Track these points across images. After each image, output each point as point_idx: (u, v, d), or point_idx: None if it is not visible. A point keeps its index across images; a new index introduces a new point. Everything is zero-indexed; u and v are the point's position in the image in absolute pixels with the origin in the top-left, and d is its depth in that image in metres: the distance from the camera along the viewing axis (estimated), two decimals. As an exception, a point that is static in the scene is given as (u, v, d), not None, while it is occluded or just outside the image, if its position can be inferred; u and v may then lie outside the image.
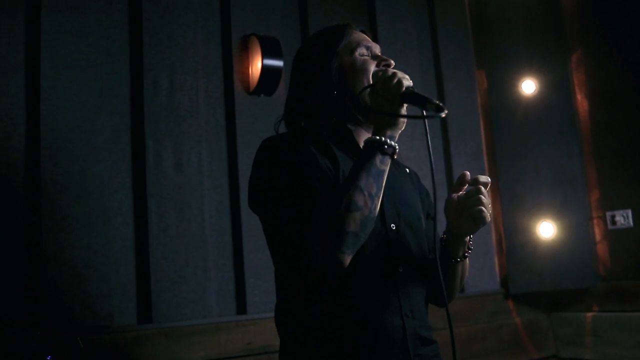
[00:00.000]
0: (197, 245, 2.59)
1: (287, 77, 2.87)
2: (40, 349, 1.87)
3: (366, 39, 1.68)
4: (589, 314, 3.38)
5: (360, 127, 1.65)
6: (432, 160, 1.45)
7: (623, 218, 3.27)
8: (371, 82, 1.55)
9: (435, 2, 3.69)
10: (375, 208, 1.39)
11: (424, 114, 1.37)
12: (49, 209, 2.31)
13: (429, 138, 1.45)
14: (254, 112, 2.85)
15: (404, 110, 1.45)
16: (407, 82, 1.44)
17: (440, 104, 1.36)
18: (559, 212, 3.39)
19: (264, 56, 2.80)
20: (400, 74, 1.45)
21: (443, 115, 1.35)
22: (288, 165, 1.48)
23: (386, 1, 3.43)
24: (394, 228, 1.55)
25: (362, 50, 1.64)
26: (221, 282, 2.65)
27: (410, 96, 1.41)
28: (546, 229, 3.41)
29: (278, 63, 2.83)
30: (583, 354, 3.38)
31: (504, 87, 3.62)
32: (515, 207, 3.53)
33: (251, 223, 2.71)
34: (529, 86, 3.53)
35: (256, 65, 2.82)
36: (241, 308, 2.67)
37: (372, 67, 1.60)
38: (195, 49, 2.73)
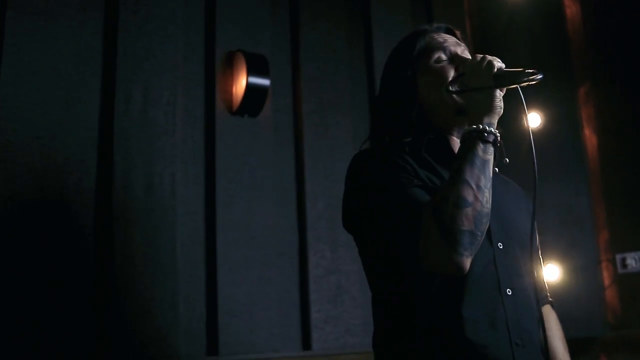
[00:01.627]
0: (166, 276, 2.40)
1: (274, 97, 2.84)
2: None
3: (445, 41, 1.58)
4: (597, 366, 3.26)
5: (452, 136, 1.57)
6: (534, 146, 1.43)
7: (634, 261, 3.20)
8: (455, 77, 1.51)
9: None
10: (487, 202, 1.31)
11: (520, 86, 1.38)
12: (1, 229, 2.12)
13: (527, 111, 1.44)
14: (236, 133, 2.71)
15: (499, 94, 1.41)
16: (498, 63, 1.40)
17: (534, 70, 1.36)
18: (565, 254, 3.30)
19: (249, 74, 2.67)
20: (489, 57, 1.41)
21: (539, 78, 1.36)
22: (388, 176, 1.42)
23: (383, 26, 3.35)
24: (501, 247, 1.45)
25: (438, 56, 1.56)
26: (191, 319, 2.49)
27: (504, 76, 1.38)
28: (551, 272, 3.29)
29: (264, 82, 2.71)
30: (591, 409, 3.24)
31: (508, 120, 3.48)
32: None
33: (228, 254, 2.56)
34: (534, 119, 3.46)
35: (240, 83, 2.70)
36: (212, 348, 2.50)
37: (451, 73, 1.53)
38: (175, 63, 2.60)
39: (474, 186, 1.29)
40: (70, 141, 2.32)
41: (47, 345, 2.12)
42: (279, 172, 2.82)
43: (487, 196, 1.32)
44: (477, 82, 1.39)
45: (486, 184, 1.32)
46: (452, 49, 1.56)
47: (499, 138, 1.38)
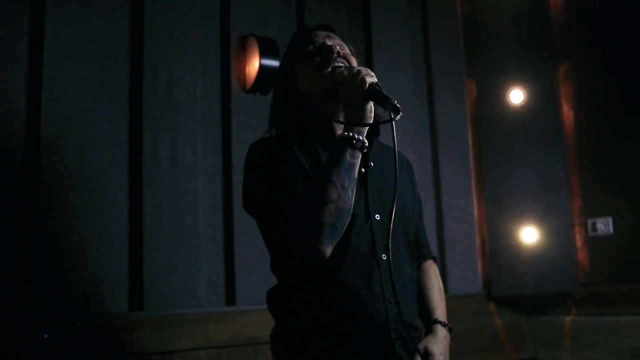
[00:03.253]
0: (190, 237, 2.63)
1: None
2: (38, 328, 1.92)
3: (316, 35, 1.72)
4: (568, 318, 3.46)
5: (336, 121, 1.70)
6: (397, 163, 1.52)
7: (604, 225, 3.35)
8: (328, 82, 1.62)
9: (429, 11, 3.78)
10: (349, 199, 1.47)
11: (391, 116, 1.44)
12: (47, 196, 2.35)
13: (395, 140, 1.50)
14: (249, 110, 2.90)
15: (369, 106, 1.50)
16: (371, 79, 1.49)
17: (397, 106, 1.43)
18: (542, 218, 3.48)
19: (261, 56, 2.85)
20: (364, 71, 1.51)
21: (397, 118, 1.43)
22: (272, 167, 1.57)
23: (381, 7, 3.50)
24: (378, 218, 1.62)
25: (308, 48, 1.69)
26: (212, 273, 2.70)
27: (372, 94, 1.47)
28: (529, 234, 3.50)
29: (275, 63, 2.87)
30: (561, 356, 3.45)
31: (492, 96, 3.70)
32: (500, 212, 3.62)
33: (243, 217, 2.73)
34: (517, 96, 3.61)
35: (253, 65, 2.88)
36: (230, 299, 2.72)
37: (316, 60, 1.66)
38: (195, 46, 2.78)
39: (338, 186, 1.44)
40: (104, 118, 2.53)
41: (87, 295, 2.38)
42: (287, 144, 3.02)
43: (349, 194, 1.47)
44: (350, 93, 1.49)
45: (350, 184, 1.47)
46: (322, 40, 1.70)
47: (366, 144, 1.50)
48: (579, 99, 3.54)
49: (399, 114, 1.43)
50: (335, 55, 1.65)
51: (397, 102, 1.45)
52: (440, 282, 1.90)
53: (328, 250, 1.45)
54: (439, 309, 1.81)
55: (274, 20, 3.06)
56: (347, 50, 1.72)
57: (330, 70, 1.63)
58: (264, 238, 1.70)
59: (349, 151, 1.48)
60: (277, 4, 3.10)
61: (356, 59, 1.74)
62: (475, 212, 3.74)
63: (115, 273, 2.47)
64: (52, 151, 2.40)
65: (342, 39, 1.76)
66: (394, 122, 1.45)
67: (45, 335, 1.86)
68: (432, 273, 1.89)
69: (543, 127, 3.56)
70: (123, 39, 2.64)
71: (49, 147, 2.39)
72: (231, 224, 2.76)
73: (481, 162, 3.72)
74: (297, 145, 1.62)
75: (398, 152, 1.82)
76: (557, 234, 3.46)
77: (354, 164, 1.49)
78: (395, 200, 1.55)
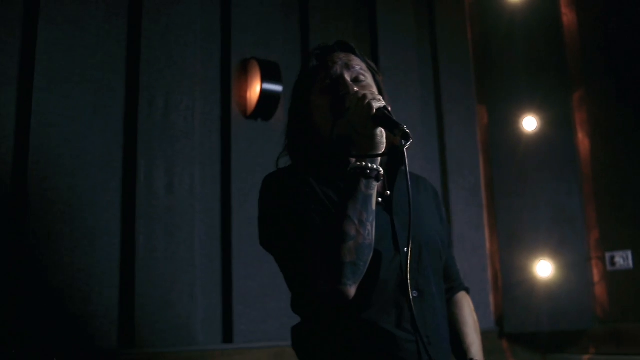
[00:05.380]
0: (185, 269, 2.53)
1: (286, 102, 2.92)
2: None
3: (334, 64, 1.61)
4: (586, 357, 3.32)
5: (352, 153, 1.60)
6: (410, 190, 1.43)
7: (622, 259, 3.24)
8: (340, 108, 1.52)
9: (438, 35, 3.71)
10: (369, 234, 1.38)
11: (401, 143, 1.36)
12: (35, 225, 2.25)
13: (407, 168, 1.42)
14: (250, 136, 2.82)
15: (379, 132, 1.42)
16: (378, 103, 1.41)
17: (407, 132, 1.35)
18: (557, 251, 3.37)
19: (263, 80, 2.78)
20: (370, 96, 1.42)
21: (407, 145, 1.34)
22: (288, 202, 1.49)
23: (389, 30, 3.44)
24: (407, 251, 1.49)
25: (324, 81, 1.60)
26: (208, 308, 2.60)
27: (380, 119, 1.39)
28: (544, 268, 3.38)
29: (277, 88, 2.81)
30: (578, 398, 3.31)
31: (505, 123, 3.62)
32: (513, 244, 3.51)
33: (242, 249, 2.67)
34: (530, 123, 3.53)
35: (255, 89, 2.80)
36: (228, 336, 2.62)
37: (326, 100, 1.57)
38: (194, 70, 2.71)
39: (356, 221, 1.35)
40: (97, 143, 2.44)
41: (75, 332, 2.26)
42: (289, 172, 2.94)
43: (369, 229, 1.37)
44: (357, 120, 1.41)
45: (368, 217, 1.37)
46: (339, 71, 1.59)
47: (381, 173, 1.41)
48: (595, 126, 3.46)
49: (410, 140, 1.35)
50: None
51: (407, 128, 1.36)
52: (475, 316, 1.78)
53: (352, 291, 1.36)
54: (475, 346, 1.69)
55: (277, 43, 2.99)
56: (368, 81, 1.61)
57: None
58: (284, 275, 1.62)
59: (363, 182, 1.39)
60: (280, 27, 3.03)
61: (379, 77, 1.67)
62: (487, 244, 3.64)
63: (105, 307, 2.36)
64: (41, 178, 2.31)
65: (363, 58, 1.67)
66: (405, 150, 1.36)
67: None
68: (466, 306, 1.78)
69: (558, 156, 3.47)
70: (118, 61, 2.56)
71: (37, 173, 2.30)
72: (229, 256, 2.67)
73: (493, 192, 3.63)
74: (314, 177, 1.53)
75: (423, 178, 1.79)
76: (573, 268, 3.34)
77: (370, 196, 1.40)
78: (420, 227, 1.49)
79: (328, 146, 1.57)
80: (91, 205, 2.39)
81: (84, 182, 2.39)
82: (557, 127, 3.49)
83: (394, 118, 1.38)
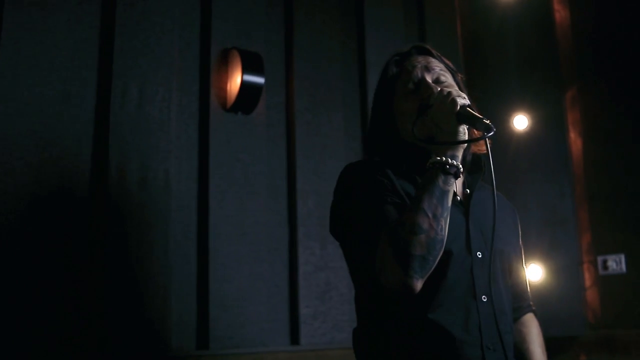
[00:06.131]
0: (158, 271, 2.40)
1: (267, 95, 2.85)
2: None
3: (414, 68, 1.64)
4: (577, 365, 3.29)
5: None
6: (495, 182, 1.46)
7: (615, 263, 3.22)
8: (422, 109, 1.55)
9: (427, 32, 3.65)
10: (442, 230, 1.38)
11: (484, 134, 1.40)
12: (-5, 222, 2.11)
13: (490, 158, 1.44)
14: (229, 130, 2.72)
15: (462, 129, 1.44)
16: (462, 100, 1.43)
17: (490, 124, 1.38)
18: (547, 254, 3.34)
19: (244, 71, 2.68)
20: (455, 92, 1.45)
21: (490, 134, 1.38)
22: (365, 190, 1.51)
23: (376, 24, 3.36)
24: (480, 256, 1.52)
25: (406, 86, 1.63)
26: (182, 312, 2.49)
27: (464, 115, 1.42)
28: (533, 272, 3.32)
29: (259, 80, 2.71)
30: (569, 407, 3.28)
31: (494, 122, 3.50)
32: None
33: (219, 250, 2.57)
34: (521, 122, 3.50)
35: (235, 81, 2.70)
36: (203, 342, 2.51)
37: (411, 105, 1.60)
38: (171, 59, 2.59)
39: (430, 215, 1.36)
40: (66, 135, 2.31)
41: (39, 339, 2.12)
42: (271, 169, 2.84)
43: (442, 225, 1.38)
44: (440, 117, 1.43)
45: (442, 213, 1.38)
46: (420, 74, 1.61)
47: (460, 170, 1.43)
48: (588, 126, 3.44)
49: (492, 131, 1.38)
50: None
51: (489, 121, 1.40)
52: (542, 339, 1.75)
53: (418, 285, 1.36)
54: None
55: (259, 33, 2.89)
56: (449, 81, 1.64)
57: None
58: (349, 267, 1.63)
59: (441, 177, 1.41)
60: (262, 17, 2.93)
61: (458, 76, 1.70)
62: None
63: (71, 310, 2.20)
64: (5, 171, 2.16)
65: (441, 59, 1.70)
66: (487, 140, 1.41)
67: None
68: (534, 327, 1.76)
69: (549, 156, 3.44)
70: (90, 48, 2.43)
71: (1, 166, 2.16)
72: (206, 257, 2.56)
73: None
74: (393, 171, 1.54)
75: (502, 196, 1.79)
76: (565, 272, 3.30)
77: (447, 192, 1.41)
78: (495, 235, 1.49)
79: (410, 145, 1.60)
80: (58, 201, 2.25)
81: (50, 177, 2.25)
82: (549, 126, 3.46)
83: (477, 114, 1.41)
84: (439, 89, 1.53)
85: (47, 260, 2.19)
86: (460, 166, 1.43)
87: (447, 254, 1.43)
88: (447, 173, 1.40)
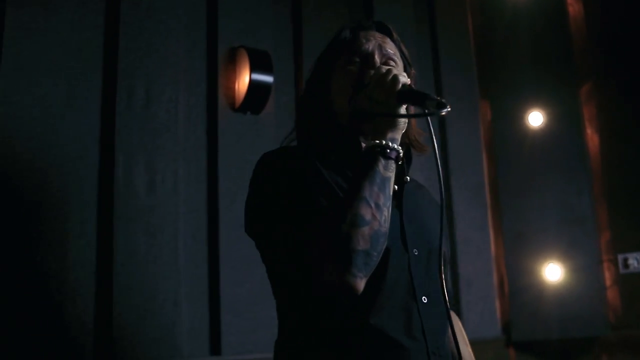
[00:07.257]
0: (168, 275, 2.37)
1: (277, 94, 2.81)
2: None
3: (367, 41, 1.50)
4: (598, 366, 3.30)
5: (363, 137, 1.48)
6: (439, 162, 1.33)
7: (637, 261, 3.23)
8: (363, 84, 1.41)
9: (439, 28, 3.67)
10: (385, 221, 1.25)
11: (426, 112, 1.26)
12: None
13: (434, 138, 1.32)
14: (238, 130, 2.68)
15: (402, 111, 1.32)
16: (404, 79, 1.31)
17: (443, 100, 1.23)
18: (566, 253, 3.35)
19: (252, 70, 2.63)
20: (395, 70, 1.32)
21: (445, 112, 1.23)
22: (289, 181, 1.35)
23: (386, 21, 3.25)
24: (417, 253, 1.40)
25: (351, 58, 1.48)
26: (194, 317, 2.45)
27: (407, 94, 1.29)
28: (552, 272, 3.35)
29: (268, 78, 2.67)
30: (591, 409, 3.31)
31: (509, 119, 3.62)
32: (519, 247, 3.51)
33: (230, 253, 2.52)
34: (536, 118, 3.54)
35: (243, 80, 2.66)
36: (215, 348, 2.47)
37: (349, 76, 1.47)
38: (177, 58, 2.56)
39: (372, 204, 1.23)
40: (71, 137, 2.28)
41: (47, 344, 2.09)
42: (281, 170, 2.80)
43: (385, 215, 1.25)
44: (380, 95, 1.30)
45: (385, 202, 1.26)
46: (370, 48, 1.48)
47: (401, 154, 1.31)
48: (604, 122, 3.45)
49: (446, 107, 1.22)
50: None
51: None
52: (466, 336, 1.68)
53: (361, 284, 1.22)
54: None
55: (267, 31, 2.85)
56: (398, 69, 1.48)
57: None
58: (271, 270, 1.46)
59: (382, 162, 1.27)
60: (270, 14, 2.90)
61: (411, 70, 1.55)
62: (492, 247, 3.59)
63: (78, 316, 2.18)
64: (8, 176, 2.13)
65: (400, 45, 1.55)
66: (429, 119, 1.28)
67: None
68: (459, 325, 1.66)
69: (565, 153, 3.45)
70: (95, 48, 2.39)
71: (3, 170, 2.13)
72: (217, 261, 2.52)
73: (498, 192, 3.63)
74: (321, 162, 1.39)
75: (424, 187, 1.68)
76: (584, 271, 3.31)
77: (388, 178, 1.28)
78: (428, 231, 1.41)
79: (342, 125, 1.46)
80: (64, 205, 2.22)
81: (55, 180, 2.22)
82: (565, 122, 3.47)
83: (421, 90, 1.28)
84: (378, 66, 1.41)
85: (54, 266, 2.16)
86: (401, 150, 1.31)
87: (386, 250, 1.29)
88: (387, 157, 1.28)
